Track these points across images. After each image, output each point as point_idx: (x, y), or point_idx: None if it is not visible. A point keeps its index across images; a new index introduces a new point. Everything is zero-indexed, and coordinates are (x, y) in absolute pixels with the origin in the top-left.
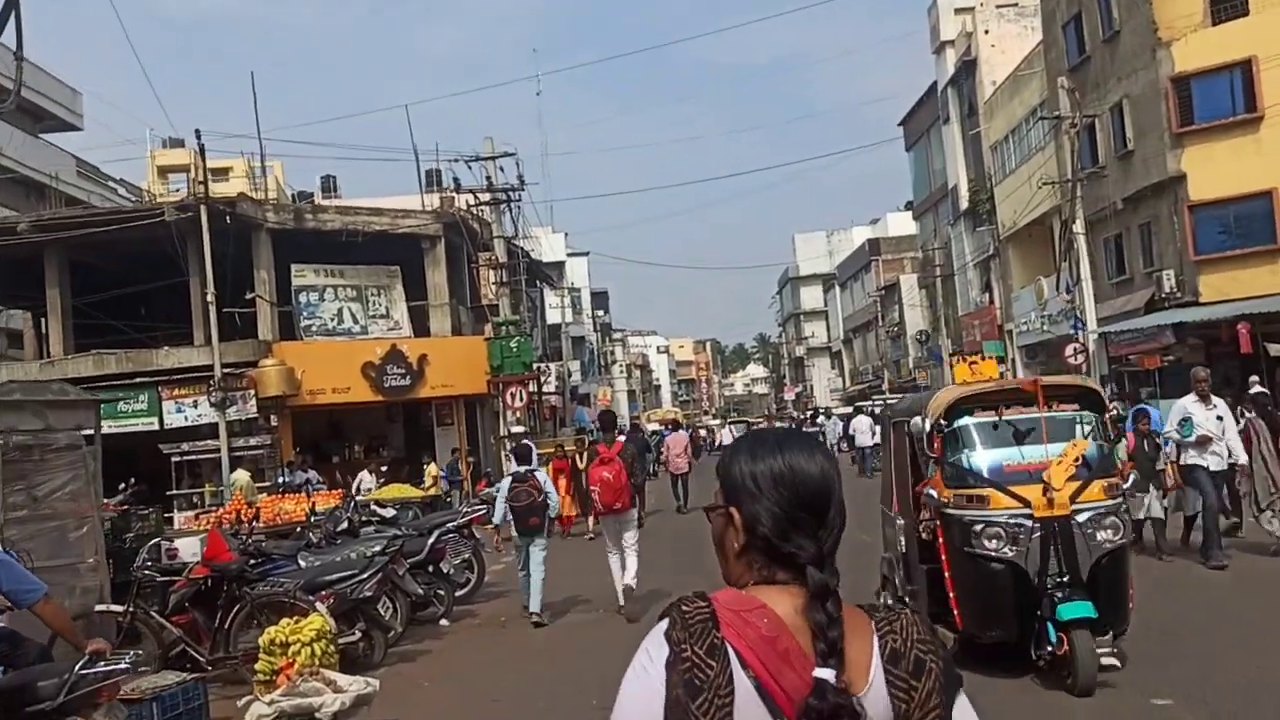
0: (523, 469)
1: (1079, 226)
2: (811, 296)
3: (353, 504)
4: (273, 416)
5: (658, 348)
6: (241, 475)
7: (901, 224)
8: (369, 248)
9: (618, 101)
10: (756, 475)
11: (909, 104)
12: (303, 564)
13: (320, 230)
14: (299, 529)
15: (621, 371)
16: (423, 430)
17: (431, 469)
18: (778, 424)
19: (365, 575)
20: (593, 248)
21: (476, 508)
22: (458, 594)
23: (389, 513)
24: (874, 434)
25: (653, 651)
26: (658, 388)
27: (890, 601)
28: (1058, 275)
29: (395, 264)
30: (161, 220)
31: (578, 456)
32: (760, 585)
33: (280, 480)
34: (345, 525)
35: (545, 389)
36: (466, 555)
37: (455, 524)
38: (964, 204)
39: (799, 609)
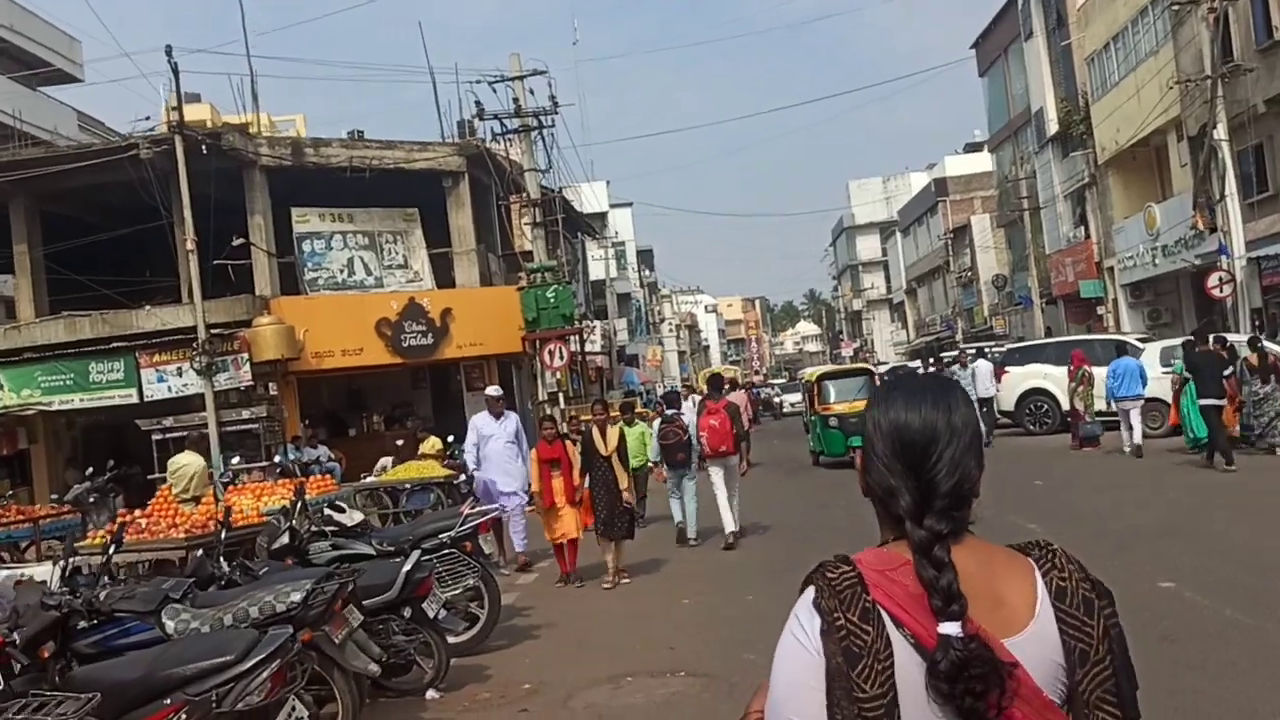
0: (670, 412)
1: (1221, 132)
2: (868, 246)
3: (300, 505)
4: (271, 384)
5: (706, 307)
6: (189, 461)
7: (962, 167)
8: (382, 188)
9: (659, 60)
10: (868, 421)
11: (970, 34)
12: (170, 626)
13: (325, 167)
14: (197, 553)
15: (671, 330)
16: (452, 396)
17: (431, 442)
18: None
19: (254, 660)
20: (635, 199)
21: (485, 508)
22: (457, 640)
23: (352, 518)
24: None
25: (804, 622)
26: (706, 348)
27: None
28: (1200, 197)
29: (413, 206)
30: (136, 156)
31: (598, 431)
32: (899, 541)
33: (278, 460)
34: (285, 540)
35: (590, 348)
36: (471, 583)
37: (451, 534)
38: (1052, 128)
39: None
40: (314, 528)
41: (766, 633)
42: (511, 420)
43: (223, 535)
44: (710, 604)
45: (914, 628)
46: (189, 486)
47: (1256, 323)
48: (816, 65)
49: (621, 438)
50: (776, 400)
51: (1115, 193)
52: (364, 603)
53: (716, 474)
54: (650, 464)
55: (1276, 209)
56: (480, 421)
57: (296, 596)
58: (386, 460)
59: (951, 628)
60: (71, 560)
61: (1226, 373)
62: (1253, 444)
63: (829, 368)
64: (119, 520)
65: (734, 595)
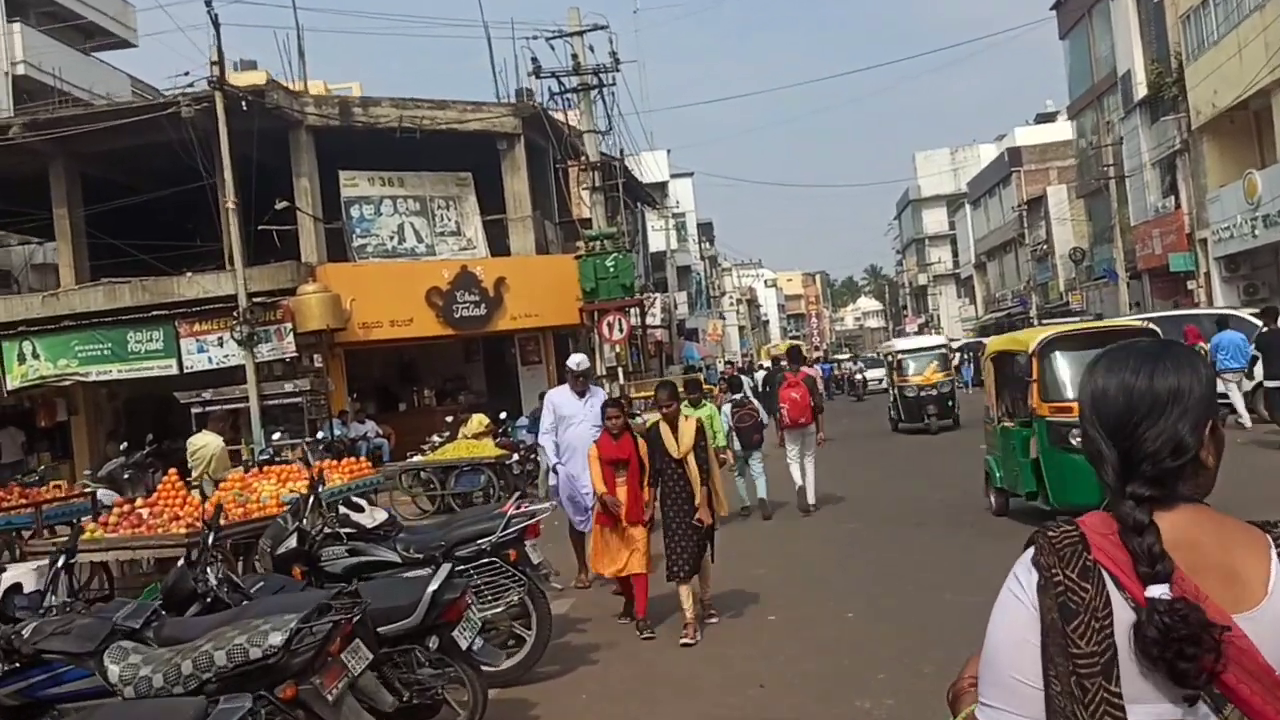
0: (738, 396)
1: None
2: (935, 220)
3: (312, 501)
4: (316, 356)
5: (765, 281)
6: (207, 441)
7: (1033, 138)
8: (434, 151)
9: (717, 25)
10: (1079, 390)
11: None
12: (114, 673)
13: (374, 128)
14: (186, 560)
15: (732, 305)
16: (506, 370)
17: (476, 421)
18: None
19: None
20: (695, 169)
21: (535, 508)
22: (500, 667)
23: (373, 517)
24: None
25: (1022, 578)
26: (766, 323)
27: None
28: None
29: (466, 170)
30: (177, 115)
31: (666, 426)
32: None
33: (321, 436)
34: (292, 544)
35: (649, 321)
36: (515, 599)
37: (493, 540)
38: (1140, 91)
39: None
40: (327, 529)
41: (878, 665)
42: (599, 398)
43: (210, 540)
44: (802, 622)
45: (1134, 591)
46: (208, 469)
47: None
48: (879, 32)
49: (700, 434)
50: (859, 377)
51: (1210, 160)
52: (380, 630)
53: (793, 446)
54: (723, 449)
55: None
56: (559, 399)
57: (276, 639)
58: (436, 439)
59: (1159, 590)
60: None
61: None
62: None
63: (1057, 329)
64: (78, 524)
65: (829, 610)
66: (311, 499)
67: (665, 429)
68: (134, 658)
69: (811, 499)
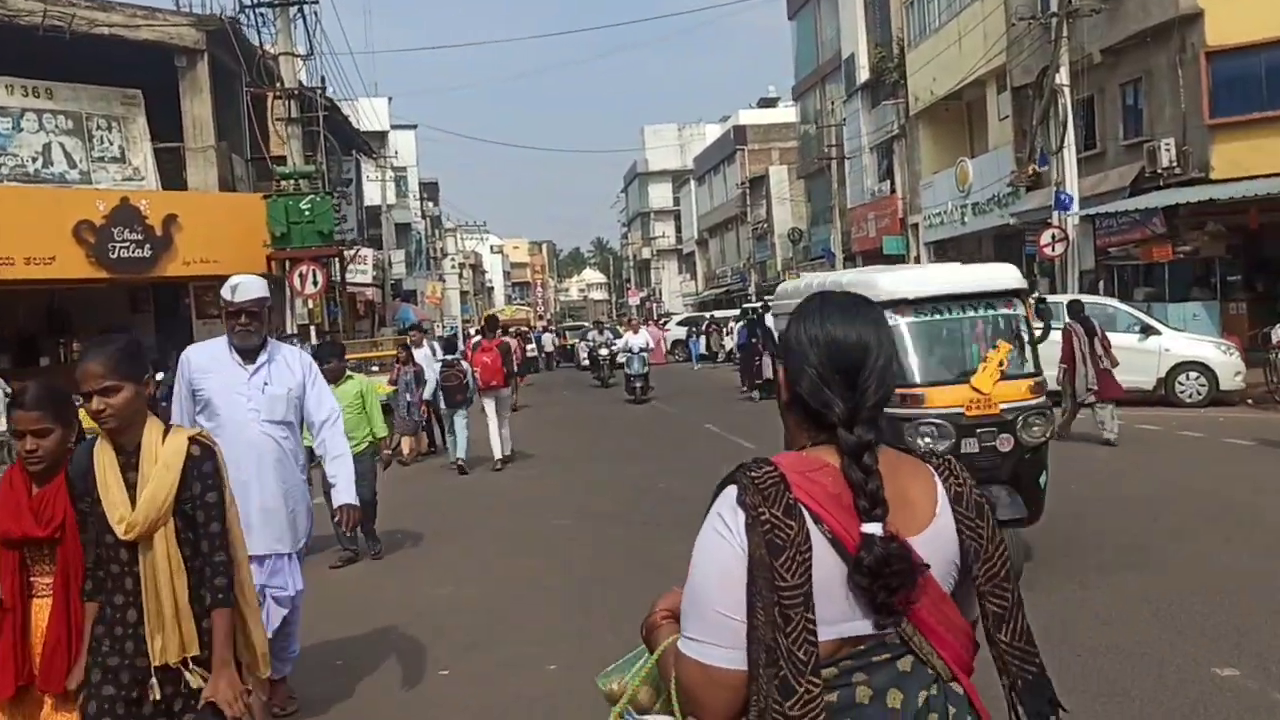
0: (449, 356)
1: (1063, 76)
2: (660, 195)
3: None
4: None
5: (491, 246)
6: None
7: (756, 120)
8: (96, 61)
9: None
10: (798, 336)
11: None
12: None
13: (12, 25)
14: None
15: (454, 268)
16: (180, 323)
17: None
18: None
19: None
20: (420, 123)
21: None
22: None
23: None
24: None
25: (727, 517)
26: (490, 289)
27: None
28: (1020, 152)
29: (136, 88)
30: None
31: (105, 446)
32: (817, 446)
33: None
34: None
35: (359, 278)
36: None
37: None
38: (863, 75)
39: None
40: None
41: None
42: (287, 364)
43: None
44: (486, 679)
45: (833, 525)
46: None
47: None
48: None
49: (201, 475)
50: (604, 351)
51: (925, 146)
52: None
53: (489, 405)
54: (378, 441)
55: (1103, 167)
56: (201, 360)
57: None
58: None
59: (875, 528)
60: None
61: None
62: None
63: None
64: None
65: (526, 658)
66: None
67: (105, 460)
68: None
69: (502, 453)
